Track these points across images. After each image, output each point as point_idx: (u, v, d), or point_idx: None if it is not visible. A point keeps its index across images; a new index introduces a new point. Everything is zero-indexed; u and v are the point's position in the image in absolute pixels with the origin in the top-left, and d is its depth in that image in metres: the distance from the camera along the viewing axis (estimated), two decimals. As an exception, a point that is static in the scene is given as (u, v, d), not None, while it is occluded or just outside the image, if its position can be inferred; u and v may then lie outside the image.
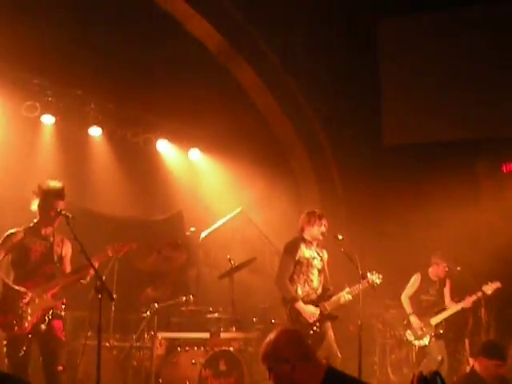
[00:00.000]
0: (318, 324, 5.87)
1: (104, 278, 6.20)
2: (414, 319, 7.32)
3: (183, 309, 6.57)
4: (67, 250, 5.25)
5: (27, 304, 4.82)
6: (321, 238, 6.14)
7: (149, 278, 6.93)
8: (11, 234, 5.05)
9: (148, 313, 6.24)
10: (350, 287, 6.06)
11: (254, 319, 7.49)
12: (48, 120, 7.43)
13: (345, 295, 6.00)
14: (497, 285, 7.25)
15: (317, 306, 5.93)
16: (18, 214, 6.81)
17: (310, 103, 9.58)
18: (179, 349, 6.36)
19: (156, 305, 6.27)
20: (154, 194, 8.41)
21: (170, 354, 6.38)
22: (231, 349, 6.55)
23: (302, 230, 6.16)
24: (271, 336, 3.02)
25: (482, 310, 7.24)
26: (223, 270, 7.04)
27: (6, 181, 6.86)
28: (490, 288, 7.25)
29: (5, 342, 4.83)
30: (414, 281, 7.57)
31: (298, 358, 2.92)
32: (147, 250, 6.38)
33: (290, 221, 6.82)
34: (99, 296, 4.17)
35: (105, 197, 7.80)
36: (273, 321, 7.35)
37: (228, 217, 7.80)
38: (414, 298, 7.51)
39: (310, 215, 6.14)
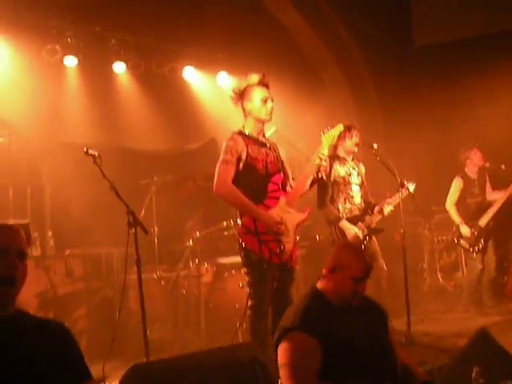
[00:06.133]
0: (367, 239, 5.78)
1: (143, 212, 6.37)
2: (464, 229, 6.90)
3: (226, 234, 6.50)
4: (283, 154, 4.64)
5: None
6: (355, 149, 5.94)
7: (188, 209, 6.97)
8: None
9: (191, 241, 6.30)
10: (389, 197, 5.96)
11: (298, 237, 7.47)
12: (71, 62, 7.34)
13: (386, 206, 5.90)
14: None
15: (363, 221, 5.81)
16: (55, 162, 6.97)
17: (337, 13, 9.18)
18: (226, 274, 6.44)
19: (198, 233, 6.33)
20: (184, 124, 8.29)
21: (218, 279, 6.48)
22: (277, 268, 6.56)
23: (335, 147, 5.90)
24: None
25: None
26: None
27: (38, 127, 6.90)
28: None
29: None
30: (456, 185, 7.06)
31: None
32: (182, 180, 6.39)
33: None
34: (133, 231, 4.15)
35: (136, 133, 7.75)
36: (317, 237, 7.33)
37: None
38: (460, 204, 7.01)
39: None
